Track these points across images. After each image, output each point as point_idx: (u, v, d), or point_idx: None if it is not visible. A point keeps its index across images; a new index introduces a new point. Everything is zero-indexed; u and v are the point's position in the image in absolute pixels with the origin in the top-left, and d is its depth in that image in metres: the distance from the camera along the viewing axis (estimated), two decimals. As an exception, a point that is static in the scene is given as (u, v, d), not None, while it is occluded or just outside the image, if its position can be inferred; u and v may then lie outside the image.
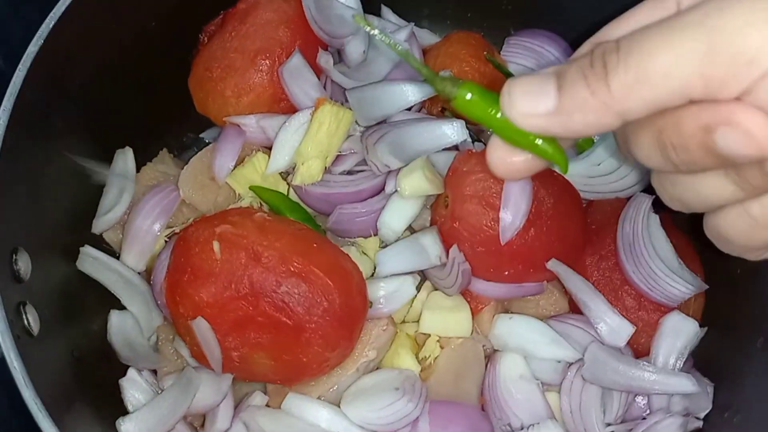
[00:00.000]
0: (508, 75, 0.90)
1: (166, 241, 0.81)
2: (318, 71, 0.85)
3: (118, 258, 0.81)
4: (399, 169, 0.80)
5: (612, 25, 0.50)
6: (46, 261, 0.72)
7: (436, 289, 0.80)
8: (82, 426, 0.68)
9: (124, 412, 0.74)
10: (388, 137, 0.79)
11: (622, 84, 0.42)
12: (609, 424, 0.76)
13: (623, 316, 0.76)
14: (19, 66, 0.66)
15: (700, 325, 0.77)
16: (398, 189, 0.78)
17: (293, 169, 0.81)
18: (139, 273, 0.81)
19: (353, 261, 0.74)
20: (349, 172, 0.83)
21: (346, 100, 0.83)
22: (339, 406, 0.73)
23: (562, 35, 0.92)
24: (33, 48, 0.67)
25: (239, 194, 0.82)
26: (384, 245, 0.80)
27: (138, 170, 0.84)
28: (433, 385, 0.76)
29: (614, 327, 0.76)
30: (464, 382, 0.77)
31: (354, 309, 0.72)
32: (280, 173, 0.82)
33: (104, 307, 0.80)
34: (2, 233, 0.64)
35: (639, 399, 0.78)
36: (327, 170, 0.82)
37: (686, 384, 0.74)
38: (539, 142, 0.47)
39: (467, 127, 0.79)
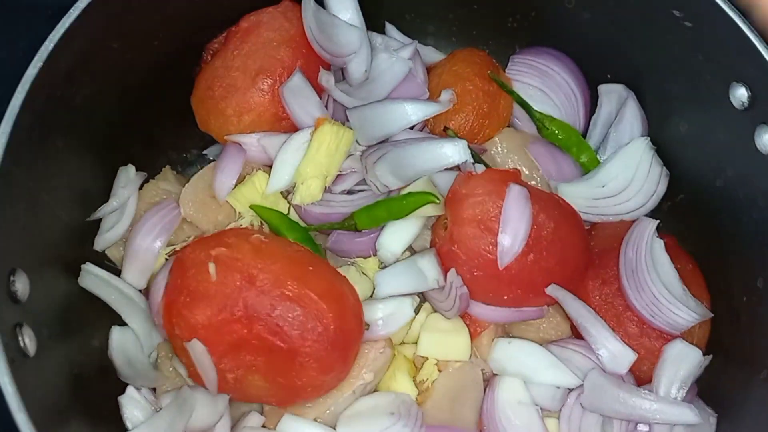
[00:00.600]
0: (512, 94, 0.89)
1: (166, 259, 0.81)
2: (320, 90, 0.84)
3: (119, 275, 0.82)
4: (399, 190, 0.79)
5: None
6: (47, 278, 0.72)
7: (435, 311, 0.79)
8: (78, 445, 0.68)
9: (122, 429, 0.75)
10: (388, 157, 0.79)
11: None
12: (609, 453, 0.75)
13: (625, 342, 0.75)
14: (18, 88, 0.66)
15: (704, 354, 0.76)
16: (398, 210, 0.78)
17: (294, 188, 0.81)
18: (140, 290, 0.82)
19: (349, 283, 0.74)
20: (350, 192, 0.82)
21: (348, 119, 0.83)
22: (335, 429, 0.73)
23: (568, 53, 0.91)
24: (32, 70, 0.67)
25: (239, 213, 0.82)
26: (383, 266, 0.80)
27: (140, 187, 0.84)
28: (430, 410, 0.75)
29: (616, 354, 0.75)
30: (462, 406, 0.76)
31: (349, 333, 0.71)
32: (281, 192, 0.82)
33: (105, 323, 0.80)
34: (0, 254, 0.64)
35: (641, 427, 0.76)
36: (327, 189, 0.81)
37: (688, 414, 0.72)
38: None
39: (469, 147, 0.78)
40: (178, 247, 0.81)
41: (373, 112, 0.81)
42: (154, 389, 0.79)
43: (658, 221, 0.78)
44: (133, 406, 0.76)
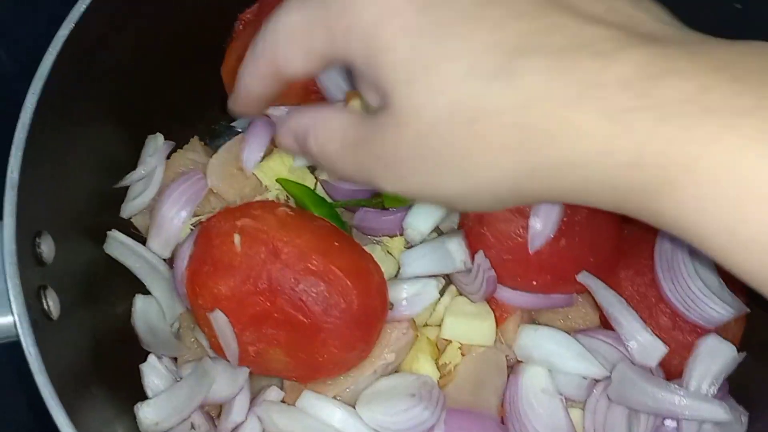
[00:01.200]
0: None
1: (191, 230, 0.80)
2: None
3: (145, 243, 0.81)
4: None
5: None
6: (72, 243, 0.72)
7: (460, 294, 0.78)
8: (97, 410, 0.68)
9: (142, 396, 0.75)
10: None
11: None
12: (634, 447, 0.73)
13: (656, 335, 0.73)
14: (49, 49, 0.66)
15: (738, 350, 0.73)
16: (428, 189, 0.76)
17: None
18: (164, 260, 0.82)
19: (375, 261, 0.72)
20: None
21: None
22: (354, 407, 0.72)
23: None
24: (64, 31, 0.67)
25: (266, 186, 0.81)
26: (409, 246, 0.78)
27: (168, 157, 0.84)
28: (452, 393, 0.74)
29: (646, 346, 0.73)
30: (484, 391, 0.75)
31: (373, 311, 0.70)
32: (308, 167, 0.81)
33: (129, 291, 0.80)
34: (27, 216, 0.64)
35: (668, 423, 0.74)
36: None
37: (718, 411, 0.70)
38: None
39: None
40: (203, 218, 0.81)
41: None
42: (176, 359, 0.78)
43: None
44: (153, 374, 0.76)
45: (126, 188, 0.82)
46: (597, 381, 0.74)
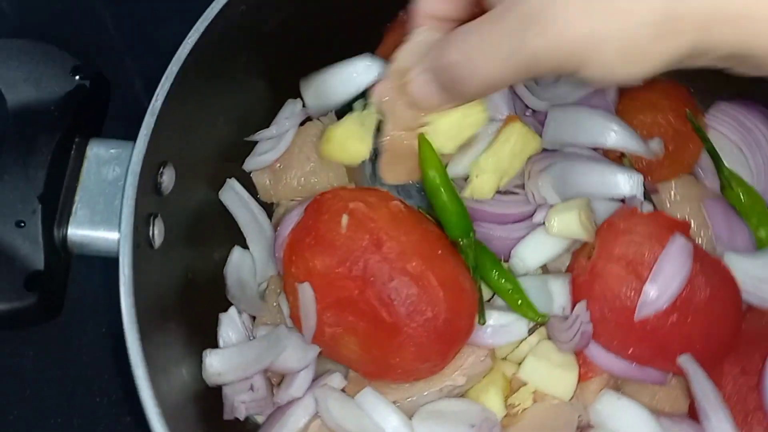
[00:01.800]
0: (705, 141, 0.81)
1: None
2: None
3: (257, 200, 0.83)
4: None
5: None
6: (191, 182, 0.74)
7: (549, 339, 0.74)
8: (169, 346, 0.69)
9: (213, 344, 0.76)
10: (555, 167, 0.74)
11: None
12: None
13: (745, 442, 0.67)
14: (213, 3, 0.68)
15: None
16: (546, 223, 0.73)
17: (467, 179, 0.76)
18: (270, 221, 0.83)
19: (472, 281, 0.70)
20: (499, 191, 0.78)
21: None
22: (410, 419, 0.70)
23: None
24: (240, -19, 0.69)
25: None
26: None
27: (302, 123, 0.85)
28: (513, 436, 0.71)
29: (731, 451, 0.67)
30: (546, 445, 0.71)
31: (458, 329, 0.68)
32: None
33: (230, 241, 0.82)
34: (157, 144, 0.66)
35: None
36: None
37: None
38: None
39: (643, 184, 0.72)
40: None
41: (566, 115, 0.76)
42: (254, 318, 0.79)
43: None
44: (230, 326, 0.77)
45: (254, 143, 0.84)
46: (668, 470, 0.69)
